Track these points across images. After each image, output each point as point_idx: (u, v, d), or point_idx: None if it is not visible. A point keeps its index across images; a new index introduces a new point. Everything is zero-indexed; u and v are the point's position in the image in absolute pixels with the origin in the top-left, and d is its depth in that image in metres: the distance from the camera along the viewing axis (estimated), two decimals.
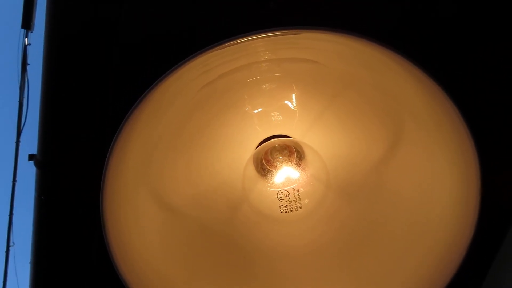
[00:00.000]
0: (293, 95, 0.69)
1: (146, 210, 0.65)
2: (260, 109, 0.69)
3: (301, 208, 0.69)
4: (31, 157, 1.11)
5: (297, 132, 0.71)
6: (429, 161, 0.62)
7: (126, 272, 0.58)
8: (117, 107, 0.98)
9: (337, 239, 0.68)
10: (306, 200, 0.69)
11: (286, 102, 0.69)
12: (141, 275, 0.61)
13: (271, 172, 0.71)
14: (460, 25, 0.83)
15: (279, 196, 0.69)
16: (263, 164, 0.71)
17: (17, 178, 3.07)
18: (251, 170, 0.72)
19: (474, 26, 0.82)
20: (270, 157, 0.71)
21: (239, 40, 0.51)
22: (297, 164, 0.71)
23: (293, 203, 0.69)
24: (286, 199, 0.69)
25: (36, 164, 1.10)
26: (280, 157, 0.71)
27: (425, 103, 0.59)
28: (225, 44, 0.51)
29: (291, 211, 0.69)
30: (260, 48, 0.57)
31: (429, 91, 0.55)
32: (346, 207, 0.69)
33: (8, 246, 3.37)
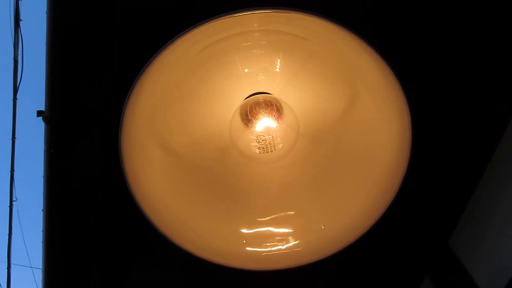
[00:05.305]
0: (276, 60, 0.83)
1: (153, 152, 0.81)
2: (247, 70, 0.83)
3: (275, 150, 0.85)
4: (39, 113, 1.20)
5: (276, 89, 0.86)
6: (376, 115, 0.79)
7: (140, 201, 0.74)
8: (118, 66, 1.07)
9: (307, 175, 0.86)
10: (281, 145, 0.86)
11: (269, 65, 0.83)
12: (150, 203, 0.76)
13: (254, 122, 0.86)
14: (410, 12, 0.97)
15: (257, 140, 0.85)
16: (247, 115, 0.86)
17: (16, 136, 3.17)
18: (237, 120, 0.87)
19: (422, 14, 0.97)
20: (253, 110, 0.86)
21: (236, 15, 0.65)
22: (275, 116, 0.86)
23: (269, 145, 0.86)
24: (263, 142, 0.85)
25: (44, 120, 1.20)
26: (262, 110, 0.86)
27: (375, 73, 0.74)
28: (223, 18, 0.65)
29: (267, 152, 0.86)
30: (254, 21, 0.71)
31: (378, 64, 0.70)
32: (314, 151, 0.86)
33: (11, 201, 3.52)
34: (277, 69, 0.84)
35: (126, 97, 0.70)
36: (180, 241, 0.75)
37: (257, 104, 0.86)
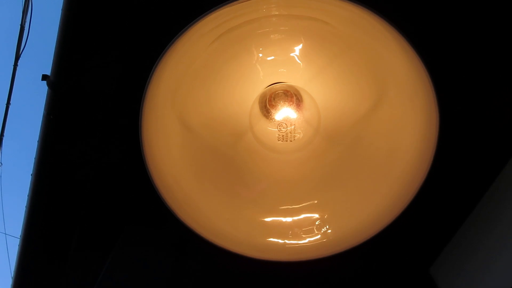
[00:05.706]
0: (299, 49, 0.81)
1: (172, 128, 0.79)
2: (269, 57, 0.82)
3: (294, 139, 0.84)
4: (44, 77, 1.17)
5: (299, 81, 0.85)
6: (400, 120, 0.77)
7: (155, 176, 0.72)
8: (131, 45, 1.04)
9: (321, 170, 0.85)
10: (302, 135, 0.84)
11: (292, 54, 0.82)
12: (164, 179, 0.75)
13: (273, 112, 0.85)
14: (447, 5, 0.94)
15: (278, 127, 0.84)
16: (267, 104, 0.85)
17: (13, 101, 3.11)
18: (257, 108, 0.86)
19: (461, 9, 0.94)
20: (273, 99, 0.85)
21: None
22: (295, 107, 0.85)
23: (289, 134, 0.84)
24: (284, 130, 0.84)
25: (48, 85, 1.18)
26: (282, 100, 0.85)
27: (407, 73, 0.72)
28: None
29: (286, 140, 0.85)
30: (272, 5, 0.69)
31: (412, 62, 0.68)
32: (330, 149, 0.85)
33: None
34: (302, 62, 0.83)
35: (152, 70, 0.67)
36: (190, 222, 0.73)
37: (277, 93, 0.85)
